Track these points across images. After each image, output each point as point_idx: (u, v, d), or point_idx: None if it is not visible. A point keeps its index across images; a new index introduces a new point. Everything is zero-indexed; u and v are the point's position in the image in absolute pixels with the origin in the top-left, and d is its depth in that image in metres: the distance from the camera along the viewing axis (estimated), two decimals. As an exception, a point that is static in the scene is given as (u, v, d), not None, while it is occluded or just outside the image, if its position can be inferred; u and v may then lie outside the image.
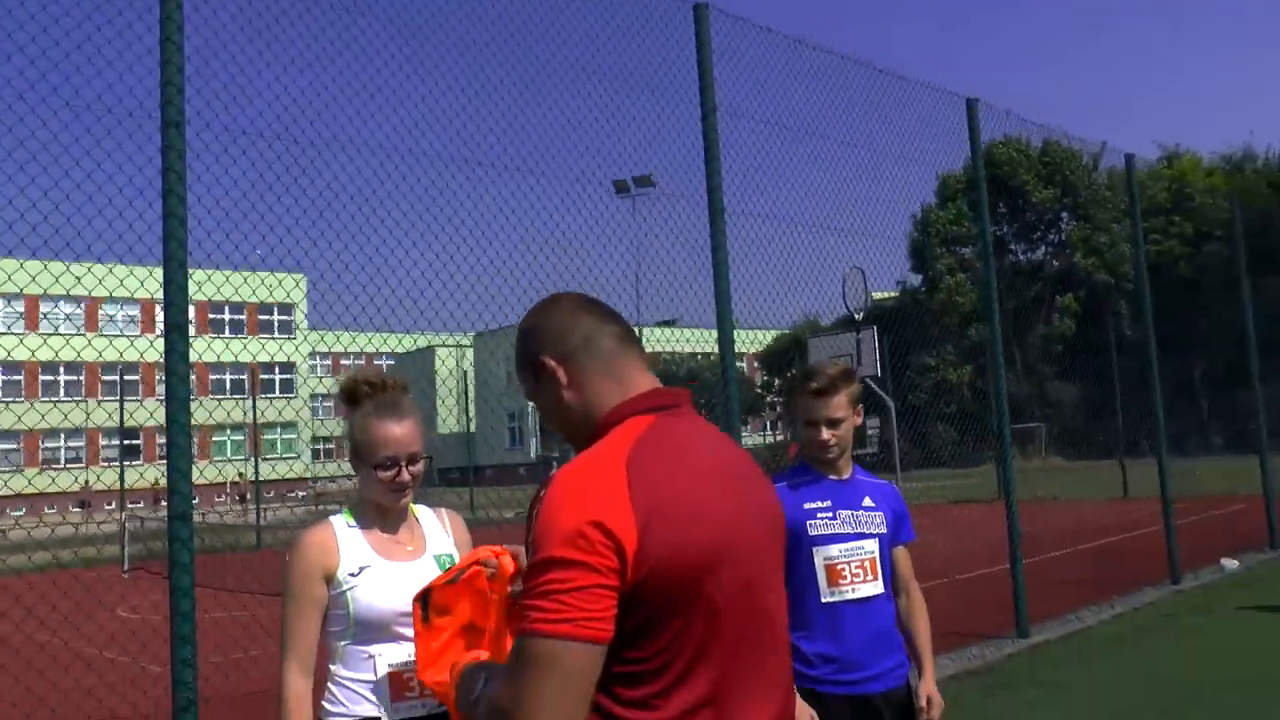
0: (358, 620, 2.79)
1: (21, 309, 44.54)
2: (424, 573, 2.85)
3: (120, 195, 4.64)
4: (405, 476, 2.86)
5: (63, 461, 47.84)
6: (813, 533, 3.61)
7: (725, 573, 1.78)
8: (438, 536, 3.02)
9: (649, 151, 6.97)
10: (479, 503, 23.73)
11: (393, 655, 2.82)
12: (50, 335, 43.32)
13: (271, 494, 40.00)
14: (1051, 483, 25.21)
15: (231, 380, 49.31)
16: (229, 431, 49.03)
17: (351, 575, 2.81)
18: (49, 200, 4.58)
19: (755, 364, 48.90)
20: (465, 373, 36.15)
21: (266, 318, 53.55)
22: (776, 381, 47.54)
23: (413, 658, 2.75)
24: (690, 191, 7.18)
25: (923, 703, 3.74)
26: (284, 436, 54.11)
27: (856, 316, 10.64)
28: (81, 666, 9.57)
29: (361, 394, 2.95)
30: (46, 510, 37.63)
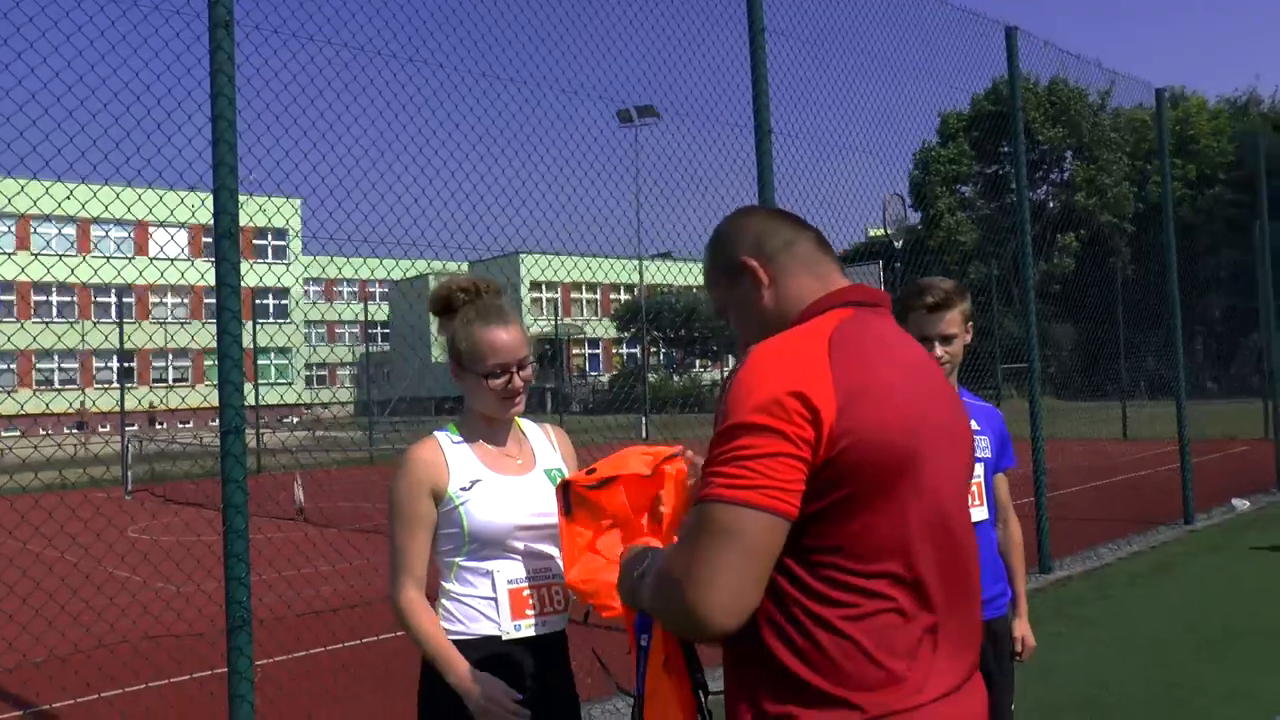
0: (473, 536, 2.68)
1: (12, 227, 44.10)
2: (536, 487, 2.77)
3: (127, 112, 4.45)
4: (517, 383, 2.74)
5: (57, 383, 47.63)
6: None
7: (924, 470, 1.68)
8: (545, 450, 2.91)
9: (669, 77, 6.77)
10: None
11: (510, 571, 2.71)
12: (42, 254, 42.94)
13: (264, 420, 39.92)
14: (1051, 423, 25.23)
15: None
16: (223, 356, 48.68)
17: (463, 490, 2.69)
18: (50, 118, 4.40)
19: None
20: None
21: (261, 242, 53.11)
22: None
23: (530, 575, 2.70)
24: (724, 114, 7.02)
25: (1018, 644, 3.67)
26: (277, 362, 53.91)
27: (896, 244, 10.48)
28: (115, 586, 9.57)
29: (458, 301, 2.81)
30: (42, 432, 37.51)
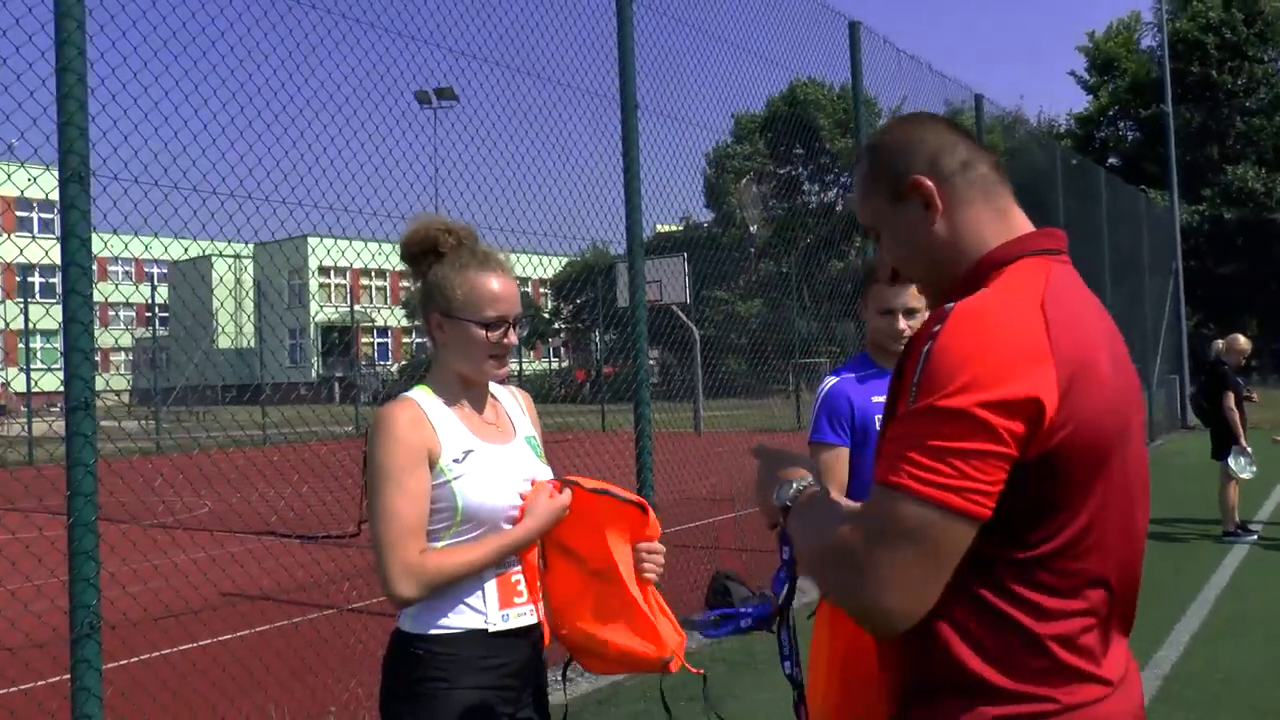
0: (467, 516, 2.39)
1: None
2: (522, 458, 2.53)
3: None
4: (512, 339, 2.49)
5: None
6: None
7: (1127, 450, 1.56)
8: (519, 416, 2.66)
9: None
10: (267, 423, 22.79)
11: None
12: None
13: (23, 408, 37.37)
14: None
15: (-17, 282, 45.62)
16: (-19, 338, 45.53)
17: (456, 463, 2.40)
18: None
19: (541, 290, 48.80)
20: (254, 283, 34.56)
21: (25, 214, 49.65)
22: (565, 309, 47.65)
23: (517, 558, 2.48)
24: (592, 85, 6.97)
25: None
26: (45, 346, 50.62)
27: (753, 229, 10.55)
28: None
29: (444, 243, 2.50)
30: None
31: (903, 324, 3.46)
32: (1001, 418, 1.43)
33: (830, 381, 3.59)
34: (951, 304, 1.53)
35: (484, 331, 2.45)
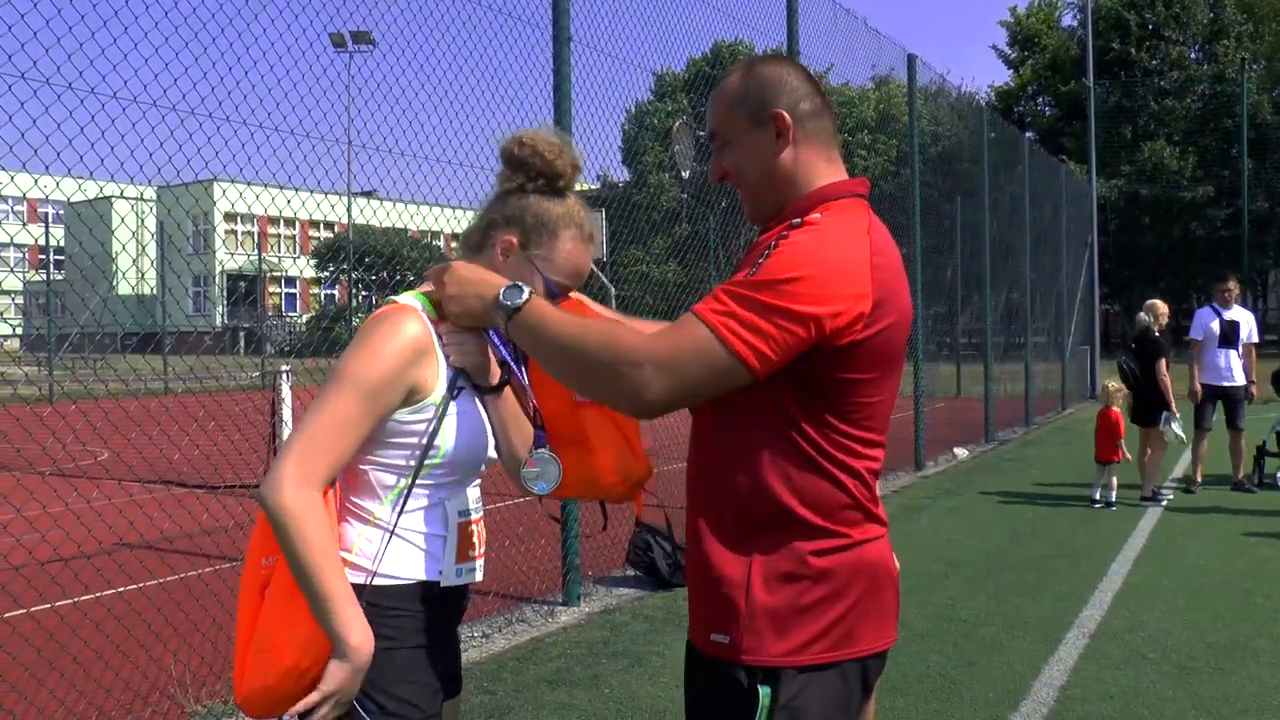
0: (450, 458, 2.16)
1: None
2: (495, 404, 2.31)
3: None
4: None
5: None
6: None
7: (898, 363, 2.01)
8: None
9: None
10: (170, 373, 22.16)
11: (460, 502, 2.24)
12: None
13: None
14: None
15: None
16: None
17: (452, 397, 2.17)
18: None
19: (453, 245, 48.00)
20: (158, 227, 33.47)
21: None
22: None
23: (474, 507, 2.26)
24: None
25: None
26: (-72, 286, 48.63)
27: (684, 174, 10.30)
28: None
29: (567, 181, 2.28)
30: None
31: None
32: (809, 310, 1.81)
33: None
34: (799, 218, 1.94)
35: (549, 295, 2.23)
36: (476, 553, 2.27)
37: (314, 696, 2.02)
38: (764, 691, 1.91)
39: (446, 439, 2.15)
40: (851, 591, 1.95)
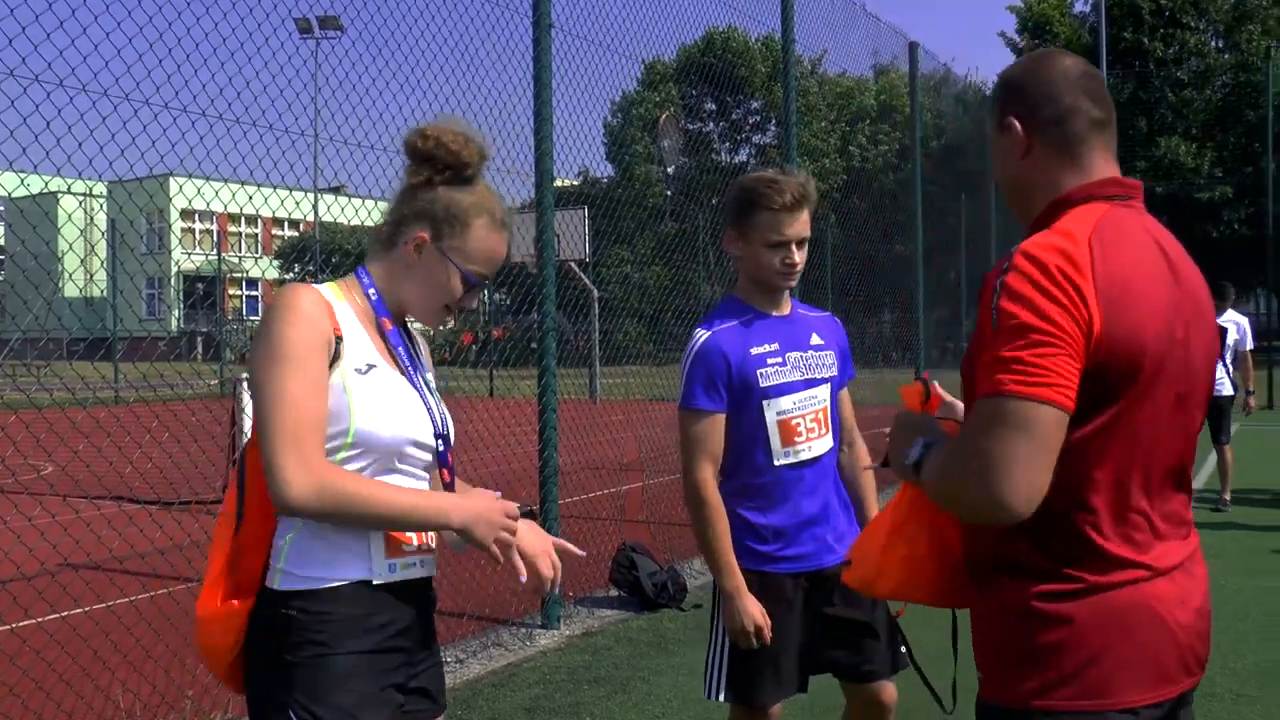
0: (359, 440, 2.22)
1: None
2: (426, 394, 2.37)
3: None
4: (472, 304, 2.41)
5: None
6: (764, 383, 3.27)
7: (1161, 389, 1.95)
8: (424, 357, 2.53)
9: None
10: (121, 380, 22.05)
11: None
12: None
13: None
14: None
15: None
16: None
17: (358, 373, 2.24)
18: None
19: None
20: (109, 224, 33.27)
21: None
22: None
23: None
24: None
25: None
26: None
27: (669, 170, 10.31)
28: None
29: (474, 170, 2.38)
30: None
31: (796, 256, 3.26)
32: (1059, 325, 1.84)
33: (701, 336, 3.33)
34: (1015, 248, 1.95)
35: (466, 286, 2.37)
36: (413, 545, 2.30)
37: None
38: None
39: (353, 418, 2.20)
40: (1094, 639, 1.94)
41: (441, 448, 2.39)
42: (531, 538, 2.37)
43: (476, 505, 2.25)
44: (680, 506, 10.32)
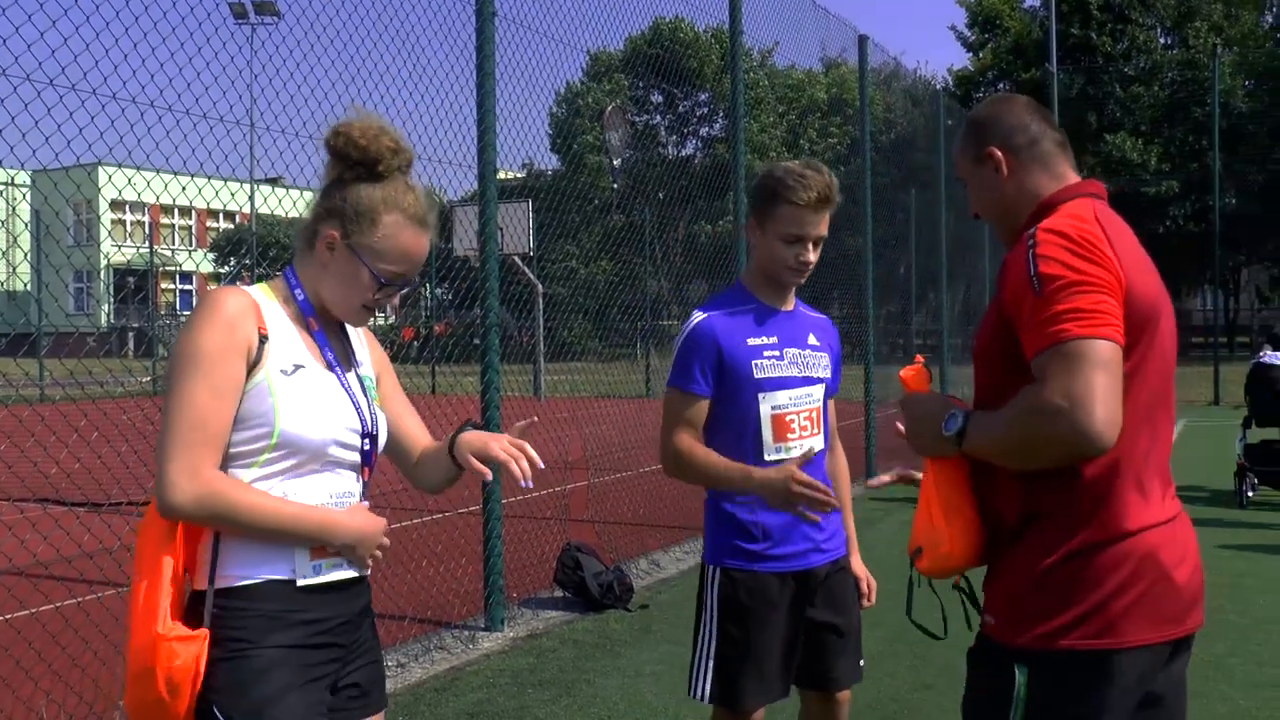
0: (283, 442, 2.25)
1: None
2: (355, 393, 2.38)
3: None
4: (396, 300, 2.40)
5: None
6: (759, 375, 3.27)
7: (1157, 353, 2.24)
8: (359, 349, 2.54)
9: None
10: (46, 378, 21.68)
11: (310, 494, 2.30)
12: None
13: None
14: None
15: None
16: None
17: (284, 374, 2.27)
18: None
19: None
20: (32, 215, 32.64)
21: None
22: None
23: (333, 500, 2.31)
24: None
25: (863, 585, 3.63)
26: None
27: (616, 162, 10.26)
28: None
29: (387, 165, 2.36)
30: None
31: (811, 254, 3.29)
32: (1103, 275, 2.13)
33: (697, 318, 3.35)
34: (1032, 229, 2.24)
35: (377, 284, 2.36)
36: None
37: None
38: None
39: (278, 419, 2.22)
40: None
41: (367, 446, 2.39)
42: (494, 443, 2.42)
43: (364, 525, 2.32)
44: (626, 505, 10.29)
